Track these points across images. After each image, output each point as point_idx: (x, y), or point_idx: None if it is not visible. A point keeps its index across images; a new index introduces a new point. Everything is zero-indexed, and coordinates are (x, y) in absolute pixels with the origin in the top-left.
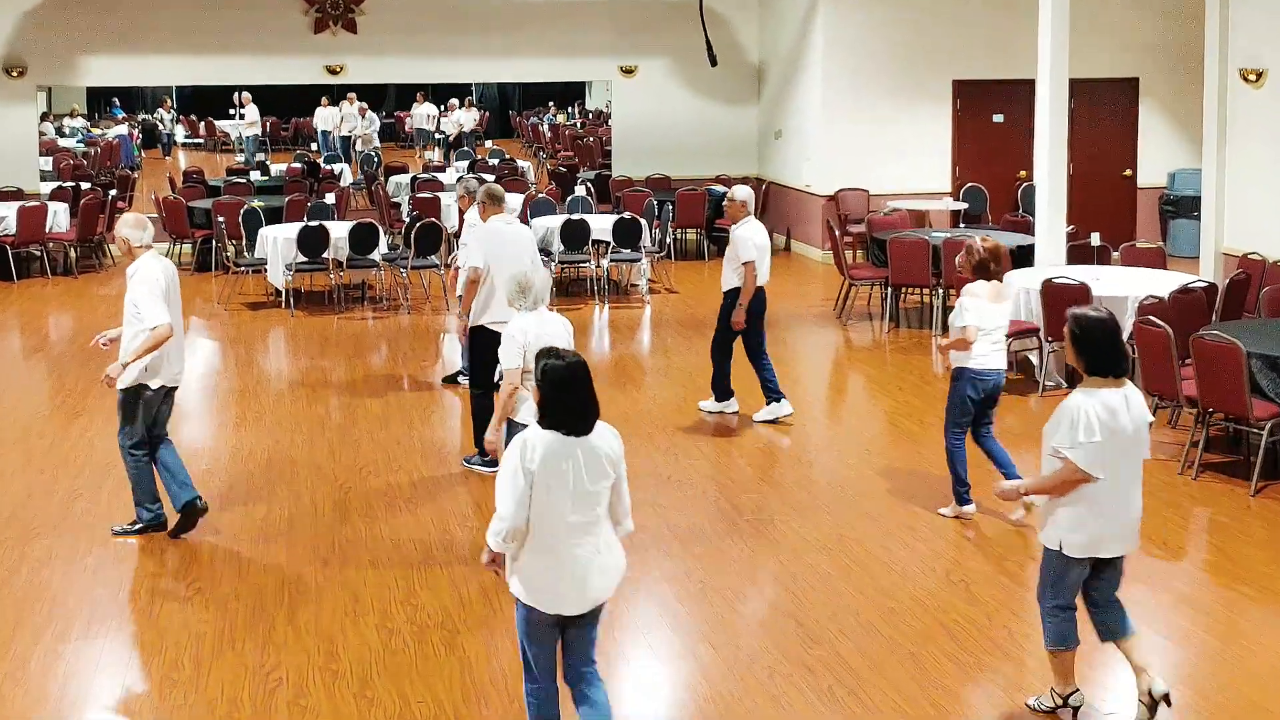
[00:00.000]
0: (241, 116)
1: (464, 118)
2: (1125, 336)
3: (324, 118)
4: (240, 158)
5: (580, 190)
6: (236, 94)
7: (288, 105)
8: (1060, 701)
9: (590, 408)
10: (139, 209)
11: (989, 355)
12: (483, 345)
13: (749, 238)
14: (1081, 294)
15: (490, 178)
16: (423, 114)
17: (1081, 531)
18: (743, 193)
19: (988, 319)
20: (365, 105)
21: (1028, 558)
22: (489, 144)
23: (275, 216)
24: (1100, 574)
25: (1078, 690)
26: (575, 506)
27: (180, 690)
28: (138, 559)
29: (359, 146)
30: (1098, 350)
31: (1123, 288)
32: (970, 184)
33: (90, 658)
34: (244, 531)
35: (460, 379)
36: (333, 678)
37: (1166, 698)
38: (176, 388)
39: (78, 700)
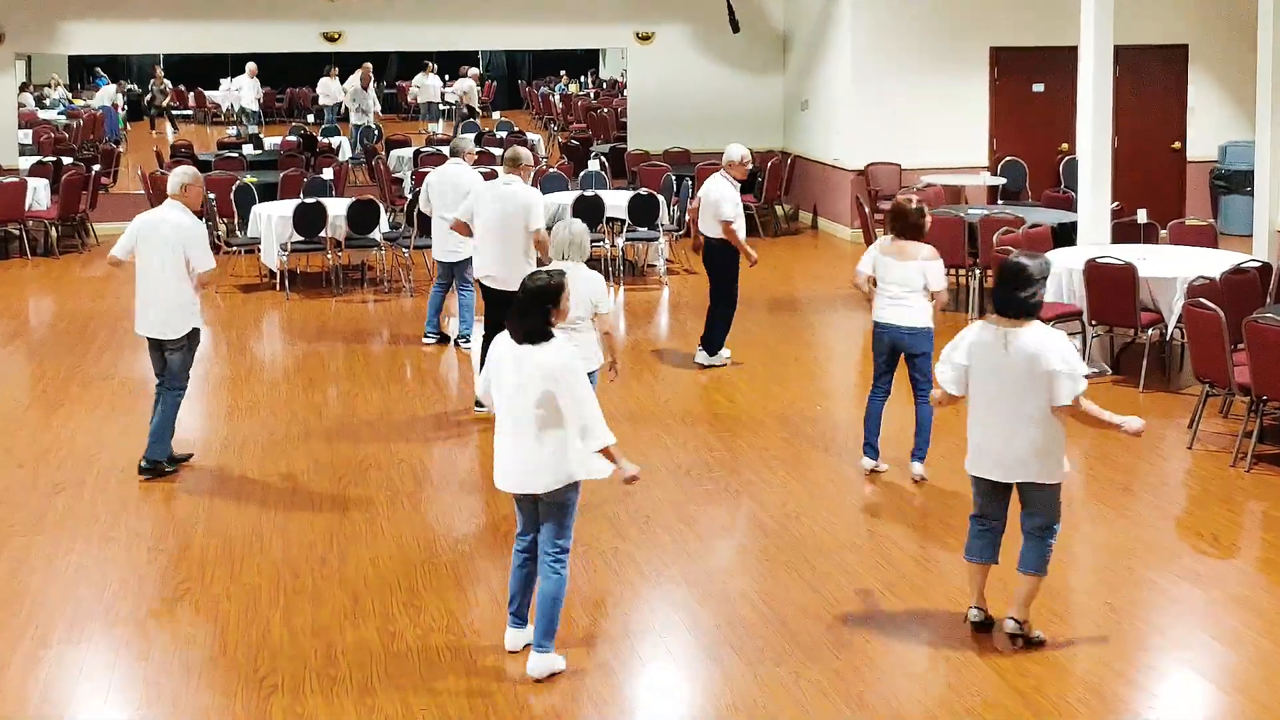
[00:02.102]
0: (236, 88)
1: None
2: (1175, 319)
3: (329, 90)
4: (233, 130)
5: (594, 165)
6: (247, 63)
7: (283, 75)
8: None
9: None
10: (124, 185)
11: (885, 309)
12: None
13: (720, 192)
14: (1127, 275)
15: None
16: (429, 85)
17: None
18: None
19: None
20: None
21: (1070, 555)
22: (496, 115)
23: (269, 193)
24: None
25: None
26: None
27: (169, 697)
28: (123, 557)
29: (354, 120)
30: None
31: (1171, 268)
32: (1008, 158)
33: (73, 663)
34: (236, 528)
35: (462, 343)
36: (331, 683)
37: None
38: (148, 339)
39: (60, 708)
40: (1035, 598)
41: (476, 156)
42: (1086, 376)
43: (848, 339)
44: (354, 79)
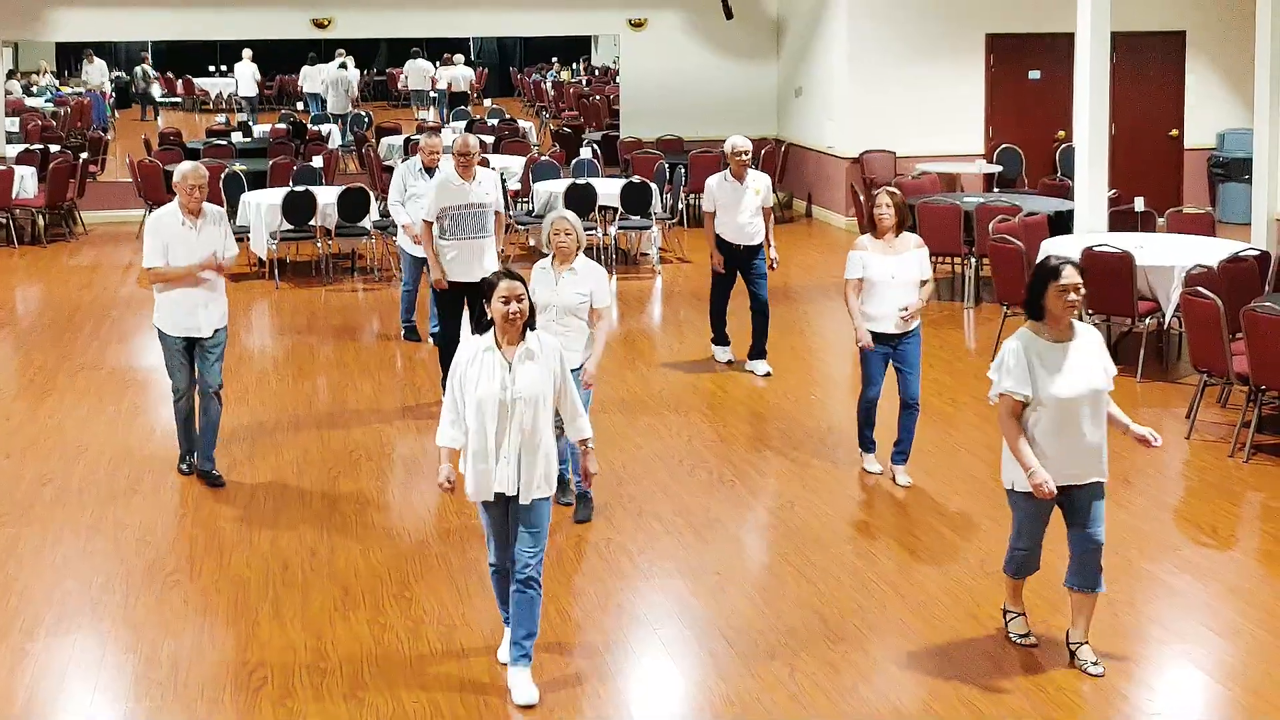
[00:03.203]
0: (223, 73)
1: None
2: (1172, 308)
3: (312, 76)
4: (221, 119)
5: (586, 152)
6: (244, 50)
7: (272, 62)
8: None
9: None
10: (112, 173)
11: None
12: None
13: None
14: (1124, 263)
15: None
16: (418, 70)
17: None
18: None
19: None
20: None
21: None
22: (488, 102)
23: (258, 181)
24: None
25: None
26: None
27: (158, 690)
28: (110, 549)
29: (332, 106)
30: None
31: (1169, 256)
32: (1005, 145)
33: (60, 656)
34: (226, 520)
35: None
36: (321, 676)
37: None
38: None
39: (47, 702)
40: (1010, 595)
41: (432, 155)
42: (1012, 394)
43: (842, 328)
44: (333, 67)
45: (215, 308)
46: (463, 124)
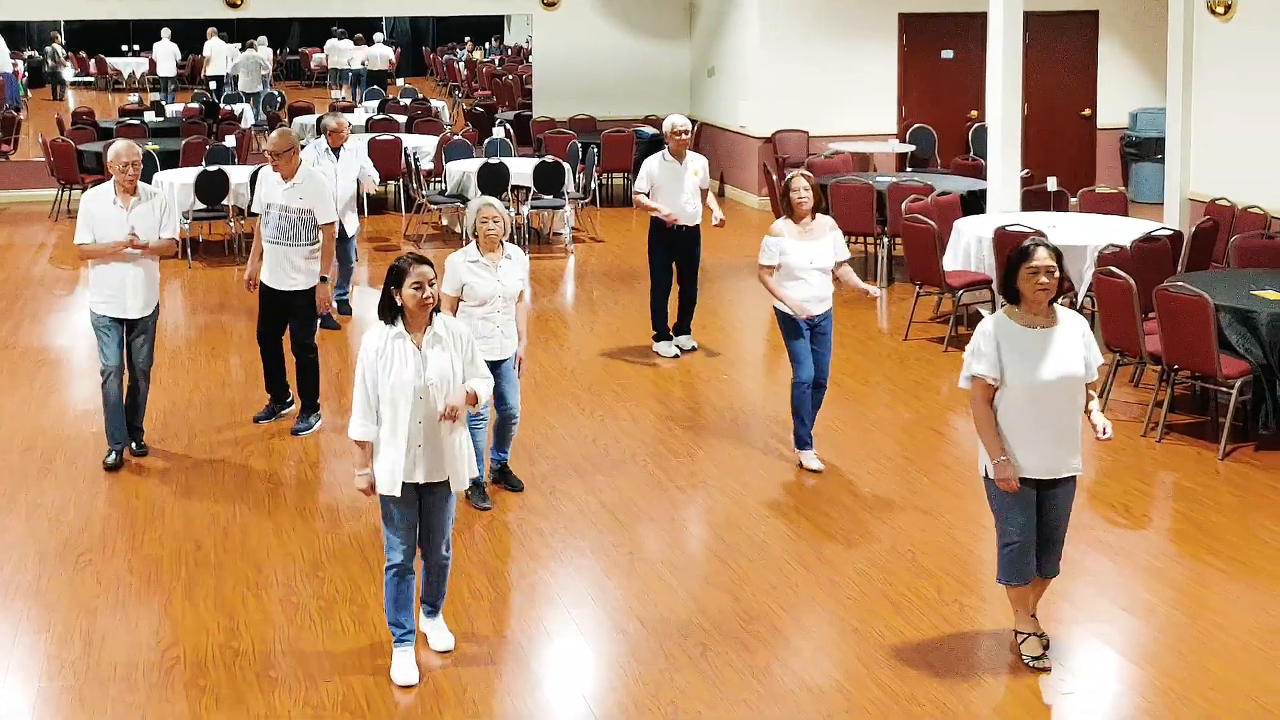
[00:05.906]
0: (136, 53)
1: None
2: (1085, 288)
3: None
4: (134, 98)
5: (499, 132)
6: (163, 29)
7: (186, 42)
8: None
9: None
10: (24, 153)
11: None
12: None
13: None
14: None
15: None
16: (341, 50)
17: None
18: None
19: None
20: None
21: (980, 527)
22: (400, 82)
23: (171, 160)
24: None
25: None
26: None
27: (69, 670)
28: (23, 529)
29: (245, 86)
30: None
31: (1081, 236)
32: (917, 125)
33: None
34: (137, 499)
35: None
36: (233, 656)
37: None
38: None
39: None
40: (1016, 612)
41: (337, 135)
42: (983, 378)
43: (755, 308)
44: (225, 45)
45: (146, 291)
46: (375, 104)
